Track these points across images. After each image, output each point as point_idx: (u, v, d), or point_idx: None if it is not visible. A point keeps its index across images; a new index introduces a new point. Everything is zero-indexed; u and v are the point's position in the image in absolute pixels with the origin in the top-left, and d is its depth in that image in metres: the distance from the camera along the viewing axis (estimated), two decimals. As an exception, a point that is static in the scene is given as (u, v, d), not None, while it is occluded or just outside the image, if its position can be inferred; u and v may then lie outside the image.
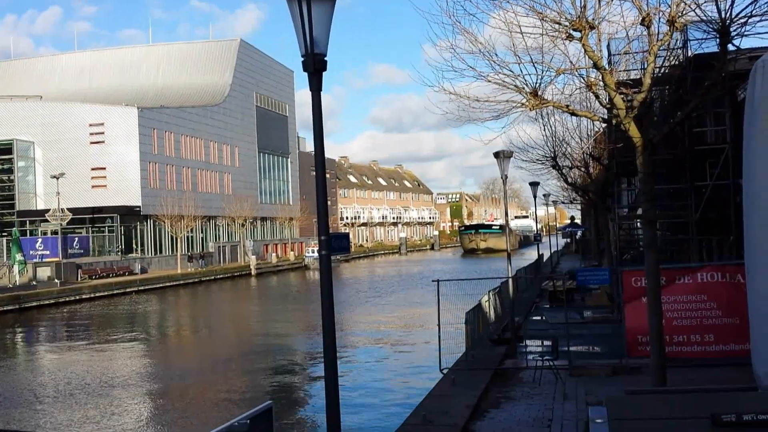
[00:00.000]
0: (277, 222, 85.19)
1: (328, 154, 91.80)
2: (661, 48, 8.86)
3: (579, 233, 70.10)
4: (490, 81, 9.18)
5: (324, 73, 5.66)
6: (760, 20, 8.24)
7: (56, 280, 45.60)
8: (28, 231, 59.80)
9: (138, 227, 63.08)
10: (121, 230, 61.34)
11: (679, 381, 9.92)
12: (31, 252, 50.79)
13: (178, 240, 61.84)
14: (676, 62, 13.38)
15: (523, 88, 9.09)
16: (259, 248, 76.06)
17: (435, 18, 9.37)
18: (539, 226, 61.31)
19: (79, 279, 49.38)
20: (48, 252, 52.89)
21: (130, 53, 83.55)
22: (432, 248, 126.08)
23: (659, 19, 8.57)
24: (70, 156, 61.00)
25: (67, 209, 52.23)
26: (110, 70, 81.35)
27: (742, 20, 8.15)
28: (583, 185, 30.26)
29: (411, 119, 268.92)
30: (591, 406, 6.20)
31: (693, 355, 11.73)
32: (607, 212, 26.65)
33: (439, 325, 14.31)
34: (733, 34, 8.24)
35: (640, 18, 8.55)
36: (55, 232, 53.56)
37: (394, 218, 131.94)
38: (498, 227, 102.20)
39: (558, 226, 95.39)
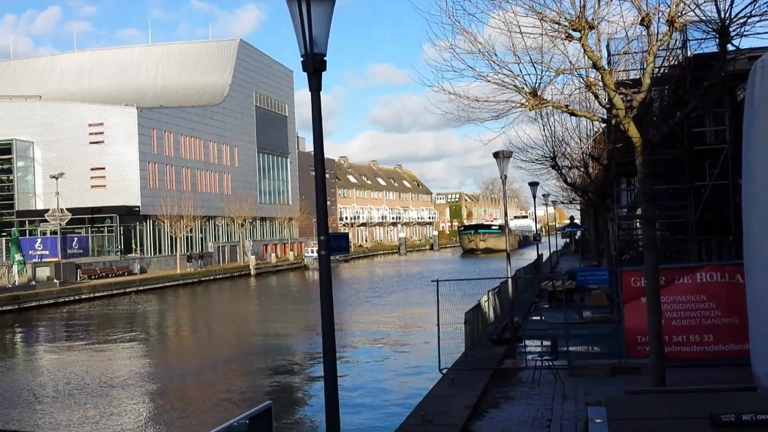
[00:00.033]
0: (276, 222, 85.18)
1: (327, 154, 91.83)
2: (660, 48, 8.86)
3: (578, 233, 70.13)
4: (489, 81, 9.19)
5: (323, 73, 5.66)
6: (760, 20, 8.25)
7: (55, 280, 45.58)
8: (27, 231, 59.79)
9: (137, 227, 63.07)
10: (120, 230, 61.33)
11: (678, 381, 9.93)
12: (30, 252, 50.79)
13: (178, 240, 61.83)
14: (676, 62, 13.39)
15: (523, 88, 9.09)
16: (258, 248, 76.06)
17: (434, 18, 9.38)
18: (538, 226, 61.34)
19: (78, 279, 49.37)
20: (47, 252, 52.87)
21: (129, 53, 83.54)
22: (431, 248, 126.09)
23: (659, 19, 8.57)
24: (70, 156, 60.98)
25: (67, 209, 52.22)
26: (109, 70, 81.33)
27: (742, 20, 8.16)
28: (583, 185, 30.27)
29: (410, 119, 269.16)
30: (590, 406, 6.20)
31: (692, 355, 11.73)
32: (607, 212, 26.66)
33: (438, 325, 14.31)
34: (732, 34, 8.24)
35: (640, 18, 8.55)
36: (54, 232, 53.54)
37: (393, 218, 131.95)
38: (497, 227, 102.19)
39: (557, 226, 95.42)
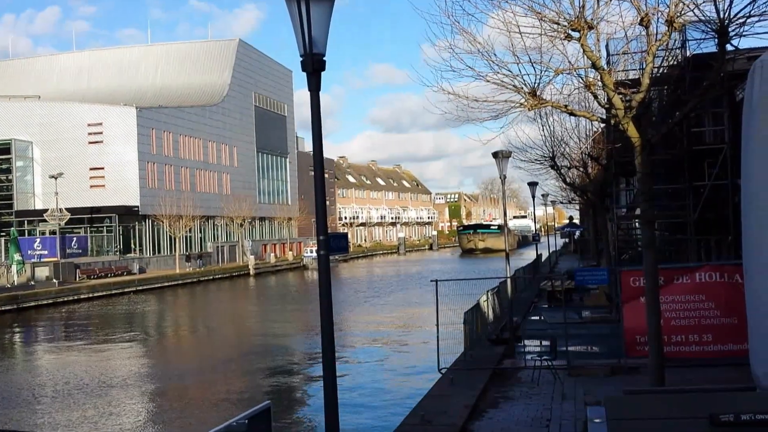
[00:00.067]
0: (275, 222, 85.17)
1: (326, 154, 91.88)
2: (659, 48, 8.87)
3: (577, 233, 70.16)
4: (488, 81, 9.19)
5: (323, 73, 5.66)
6: (759, 20, 8.26)
7: (54, 280, 45.55)
8: (26, 231, 59.77)
9: (136, 227, 63.04)
10: (119, 230, 61.31)
11: (677, 381, 9.93)
12: (29, 252, 50.77)
13: (177, 240, 61.81)
14: (675, 62, 13.39)
15: (522, 88, 9.09)
16: (257, 248, 76.03)
17: (434, 18, 9.38)
18: (538, 226, 61.35)
19: (77, 279, 49.35)
20: (46, 252, 52.86)
21: (128, 53, 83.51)
22: (430, 248, 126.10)
23: (658, 19, 8.58)
24: (69, 156, 60.95)
25: (66, 209, 52.21)
26: (109, 69, 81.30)
27: (741, 20, 8.17)
28: (582, 185, 30.29)
29: (410, 119, 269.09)
30: (589, 406, 6.21)
31: (691, 355, 11.74)
32: (606, 212, 26.67)
33: (437, 325, 14.31)
34: (731, 34, 8.25)
35: (639, 18, 8.55)
36: (53, 232, 53.51)
37: (392, 218, 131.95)
38: (496, 227, 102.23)
39: (556, 226, 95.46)
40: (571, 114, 11.25)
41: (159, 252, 64.97)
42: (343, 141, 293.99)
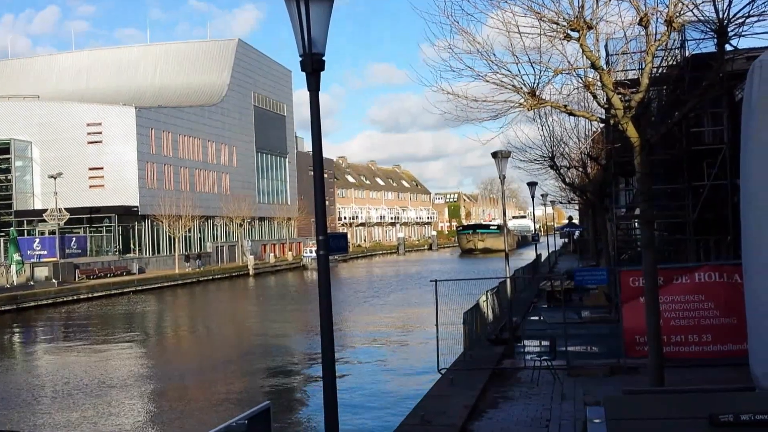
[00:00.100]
0: (275, 222, 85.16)
1: (326, 154, 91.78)
2: (658, 48, 8.87)
3: (577, 233, 70.17)
4: (488, 81, 9.19)
5: (322, 73, 5.66)
6: (758, 20, 8.27)
7: (54, 280, 45.54)
8: (25, 231, 59.74)
9: (135, 227, 63.03)
10: (118, 230, 61.29)
11: (676, 381, 9.94)
12: (28, 252, 50.75)
13: (176, 240, 61.80)
14: (674, 62, 13.39)
15: (521, 88, 9.09)
16: (257, 248, 76.02)
17: (433, 18, 9.38)
18: (537, 226, 61.36)
19: (76, 279, 49.34)
20: (45, 252, 52.84)
21: (127, 53, 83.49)
22: (430, 248, 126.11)
23: (657, 19, 8.58)
24: (68, 156, 60.93)
25: (65, 209, 52.18)
26: (108, 69, 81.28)
27: (740, 20, 8.17)
28: (581, 185, 30.27)
29: (409, 119, 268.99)
30: (589, 406, 6.20)
31: (690, 355, 11.74)
32: (605, 212, 26.67)
33: (437, 325, 14.31)
34: (730, 34, 8.25)
35: (638, 18, 8.56)
36: (52, 232, 53.49)
37: (392, 218, 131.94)
38: (496, 227, 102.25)
39: (556, 226, 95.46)
40: (571, 114, 11.26)
41: (158, 252, 64.95)
42: (342, 141, 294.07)
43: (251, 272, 66.32)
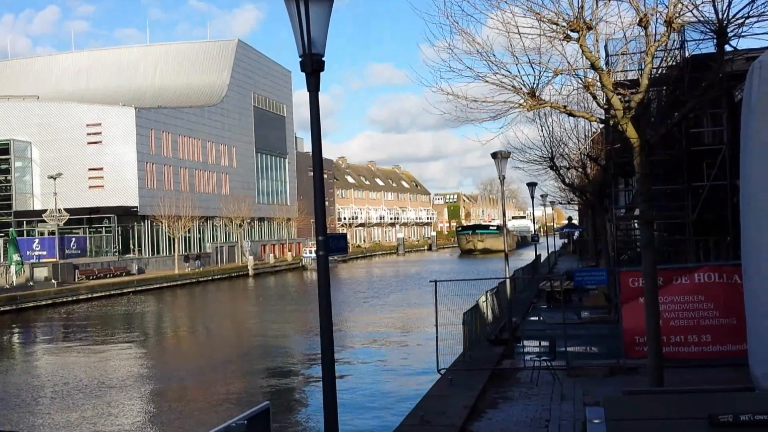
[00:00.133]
0: (274, 222, 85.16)
1: (325, 155, 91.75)
2: (658, 49, 8.87)
3: (576, 234, 70.19)
4: (487, 81, 9.19)
5: (322, 73, 5.66)
6: (757, 21, 8.27)
7: (53, 281, 45.52)
8: (25, 231, 59.72)
9: (135, 228, 63.02)
10: (118, 231, 61.27)
11: (676, 381, 9.94)
12: (28, 252, 50.72)
13: (176, 240, 61.79)
14: (674, 63, 13.40)
15: (521, 89, 9.09)
16: (256, 249, 76.01)
17: (432, 18, 9.38)
18: (536, 226, 61.38)
19: (76, 279, 49.31)
20: (45, 252, 52.82)
21: (127, 53, 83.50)
22: (429, 249, 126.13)
23: (656, 19, 8.58)
24: (68, 156, 60.93)
25: (64, 209, 52.17)
26: (108, 70, 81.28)
27: (739, 21, 8.17)
28: (581, 186, 30.26)
29: (409, 120, 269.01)
30: (588, 407, 6.20)
31: (690, 355, 11.74)
32: (605, 213, 26.66)
33: (436, 326, 14.31)
34: (730, 34, 8.25)
35: (638, 19, 8.56)
36: (52, 233, 53.48)
37: (391, 219, 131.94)
38: (495, 228, 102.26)
39: (555, 226, 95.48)
40: (570, 114, 11.26)
41: (158, 252, 64.94)
42: (342, 141, 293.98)
43: (251, 273, 66.31)
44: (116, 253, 59.87)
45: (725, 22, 8.16)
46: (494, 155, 18.75)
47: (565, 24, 8.57)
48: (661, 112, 12.92)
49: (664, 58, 10.75)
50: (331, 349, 5.69)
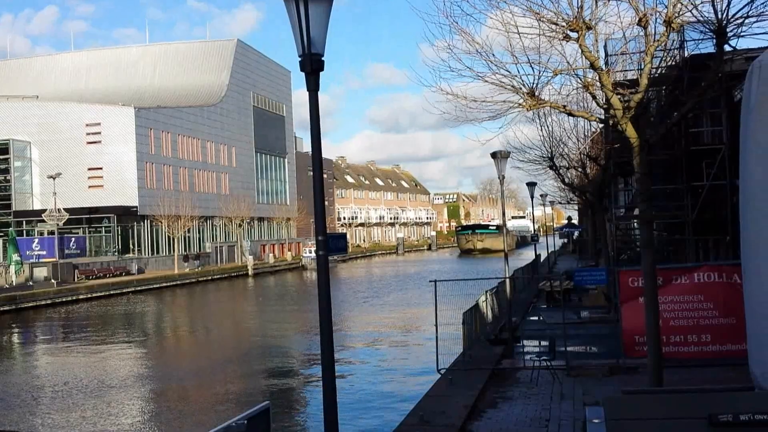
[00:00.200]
0: (274, 222, 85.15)
1: (325, 154, 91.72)
2: (657, 48, 8.87)
3: (576, 233, 70.20)
4: (487, 81, 9.19)
5: (321, 73, 5.66)
6: (756, 21, 8.27)
7: (53, 281, 45.50)
8: (24, 231, 59.69)
9: (135, 227, 63.00)
10: (117, 230, 61.26)
11: (675, 381, 9.95)
12: (27, 252, 50.70)
13: (175, 240, 61.77)
14: (673, 63, 13.40)
15: (521, 89, 9.10)
16: (256, 248, 76.01)
17: (432, 18, 9.38)
18: (536, 226, 61.38)
19: (75, 279, 49.29)
20: (45, 252, 52.80)
21: (126, 53, 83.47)
22: (429, 248, 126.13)
23: (656, 19, 8.58)
24: (67, 156, 60.91)
25: (64, 209, 52.14)
26: (107, 69, 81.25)
27: (739, 21, 8.18)
28: (580, 185, 30.25)
29: (408, 119, 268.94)
30: (588, 406, 6.21)
31: (690, 355, 11.75)
32: (604, 212, 26.66)
33: (436, 326, 14.31)
34: (729, 34, 8.26)
35: (637, 19, 8.56)
36: (51, 233, 53.45)
37: (391, 218, 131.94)
38: (495, 227, 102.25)
39: (555, 226, 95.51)
40: (570, 114, 11.26)
41: (157, 252, 64.93)
42: (341, 141, 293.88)
43: (250, 272, 66.31)
44: (116, 253, 59.85)
45: (724, 21, 8.16)
46: (494, 155, 18.74)
47: (564, 24, 8.57)
48: (660, 111, 12.92)
49: (664, 58, 10.74)
50: (331, 349, 5.69)
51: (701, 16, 8.51)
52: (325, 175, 5.99)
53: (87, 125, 61.77)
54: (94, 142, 61.71)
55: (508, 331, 17.27)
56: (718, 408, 4.71)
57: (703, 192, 17.46)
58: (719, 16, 8.18)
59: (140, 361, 24.50)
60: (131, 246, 62.58)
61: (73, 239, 56.98)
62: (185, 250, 65.36)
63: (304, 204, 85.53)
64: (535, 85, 9.07)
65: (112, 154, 61.34)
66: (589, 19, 8.66)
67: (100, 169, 61.46)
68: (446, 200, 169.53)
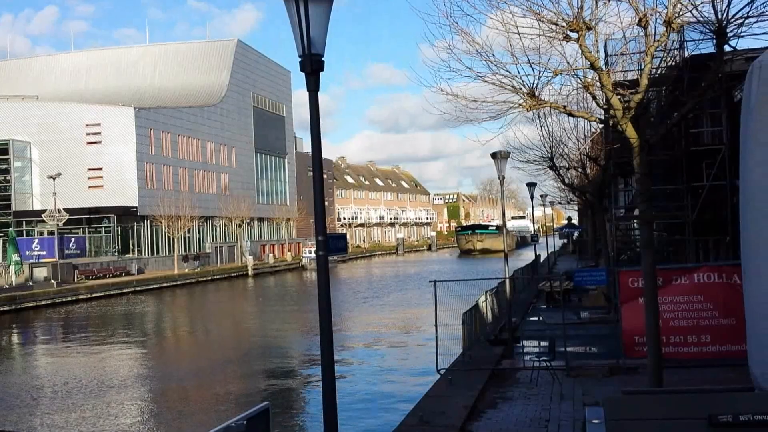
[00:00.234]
0: (274, 222, 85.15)
1: (325, 155, 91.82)
2: (657, 49, 8.87)
3: (576, 234, 70.20)
4: (487, 82, 9.19)
5: (321, 73, 5.66)
6: (757, 21, 8.27)
7: (53, 281, 45.50)
8: (24, 231, 59.67)
9: (135, 228, 63.00)
10: (117, 231, 61.25)
11: (675, 381, 9.95)
12: (27, 252, 50.70)
13: (175, 240, 61.77)
14: (673, 63, 13.40)
15: (521, 89, 9.09)
16: (256, 249, 76.00)
17: (432, 18, 9.39)
18: (536, 226, 61.38)
19: (75, 279, 49.29)
20: (44, 252, 52.79)
21: (127, 53, 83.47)
22: (429, 249, 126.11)
23: (656, 20, 8.58)
24: (67, 156, 60.91)
25: (64, 210, 52.14)
26: (107, 70, 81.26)
27: (739, 21, 8.18)
28: (580, 186, 30.24)
29: (408, 120, 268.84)
30: (588, 407, 6.21)
31: (689, 355, 11.75)
32: (604, 213, 26.66)
33: (436, 326, 14.31)
34: (729, 35, 8.26)
35: (637, 19, 8.56)
36: (51, 233, 53.45)
37: (391, 219, 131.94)
38: (495, 228, 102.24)
39: (555, 226, 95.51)
40: (570, 115, 11.26)
41: (157, 253, 64.93)
42: (341, 141, 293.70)
43: (250, 273, 66.31)
44: (116, 253, 59.84)
45: (724, 22, 8.16)
46: (494, 155, 18.74)
47: (564, 24, 8.57)
48: (660, 112, 12.92)
49: (664, 59, 10.74)
50: (331, 349, 5.69)
51: (701, 17, 8.51)
52: (325, 176, 5.98)
53: (87, 125, 61.77)
54: (94, 143, 61.71)
55: (507, 332, 17.27)
56: (718, 408, 4.71)
57: (703, 192, 17.46)
58: (719, 17, 8.18)
59: (140, 362, 24.49)
60: (131, 246, 62.58)
61: (72, 239, 56.97)
62: (185, 250, 65.35)
63: (304, 204, 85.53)
64: (535, 85, 9.07)
65: (112, 155, 61.34)
66: (589, 20, 8.66)
67: (100, 169, 61.46)
68: (446, 200, 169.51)
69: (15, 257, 44.24)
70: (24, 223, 61.31)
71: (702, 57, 12.46)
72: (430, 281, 15.90)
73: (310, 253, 70.85)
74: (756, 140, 5.22)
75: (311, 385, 19.12)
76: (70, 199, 56.61)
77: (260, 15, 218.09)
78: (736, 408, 4.70)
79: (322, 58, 5.62)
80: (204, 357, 25.12)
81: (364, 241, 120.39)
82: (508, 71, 9.07)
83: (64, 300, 43.05)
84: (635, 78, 10.56)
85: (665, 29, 8.45)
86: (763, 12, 8.20)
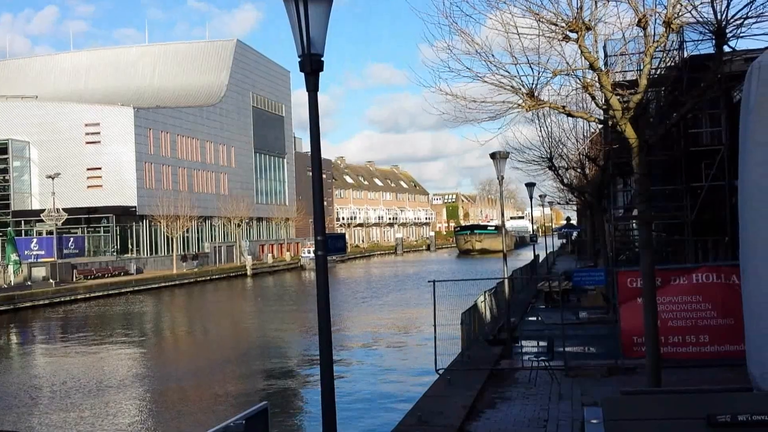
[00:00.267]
0: (273, 222, 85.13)
1: (324, 155, 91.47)
2: (657, 49, 8.88)
3: (575, 234, 70.21)
4: (486, 82, 9.19)
5: (321, 73, 5.66)
6: (756, 22, 8.28)
7: (51, 281, 45.47)
8: (23, 231, 59.65)
9: (134, 227, 62.97)
10: (116, 230, 61.22)
11: (674, 382, 9.96)
12: (26, 252, 50.67)
13: (174, 240, 61.75)
14: (672, 64, 13.40)
15: (520, 89, 9.10)
16: (255, 248, 75.98)
17: (432, 19, 9.40)
18: (535, 226, 61.41)
19: (74, 279, 49.26)
20: (43, 252, 52.77)
21: (126, 53, 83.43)
22: (428, 249, 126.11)
23: (655, 20, 8.59)
24: (66, 156, 60.88)
25: (63, 209, 52.12)
26: (106, 69, 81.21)
27: (738, 22, 8.18)
28: (579, 186, 30.24)
29: (408, 120, 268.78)
30: (586, 407, 6.22)
31: (688, 356, 11.76)
32: (603, 213, 26.68)
33: (435, 326, 14.32)
34: (728, 35, 8.26)
35: (637, 19, 8.56)
36: (50, 232, 53.42)
37: (390, 219, 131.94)
38: (493, 228, 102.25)
39: (554, 226, 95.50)
40: (569, 115, 11.26)
41: (156, 252, 64.91)
42: (340, 141, 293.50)
43: (249, 273, 66.29)
44: (114, 253, 59.82)
45: (724, 22, 8.16)
46: (493, 155, 18.72)
47: (563, 24, 8.58)
48: (659, 112, 12.92)
49: (663, 59, 10.75)
50: (330, 349, 5.69)
51: (701, 17, 8.52)
52: (324, 176, 5.98)
53: (86, 125, 61.76)
54: (93, 142, 61.68)
55: (506, 332, 17.27)
56: (717, 408, 4.72)
57: (702, 193, 17.48)
58: (719, 17, 8.18)
59: (138, 362, 24.48)
60: (130, 246, 62.56)
61: (71, 239, 56.95)
62: (184, 250, 65.32)
63: (303, 204, 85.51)
64: (534, 85, 9.08)
65: (111, 154, 61.32)
66: (589, 20, 8.67)
67: (99, 169, 61.43)
68: (445, 200, 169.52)
69: (13, 257, 44.22)
70: (23, 222, 61.28)
71: (701, 57, 12.47)
72: (428, 281, 15.91)
73: (309, 252, 70.84)
74: (755, 141, 5.23)
75: (310, 384, 19.12)
76: (69, 198, 56.59)
77: (260, 15, 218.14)
78: (735, 408, 4.71)
79: (322, 58, 5.62)
80: (203, 357, 25.11)
81: (363, 241, 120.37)
82: (507, 71, 9.08)
83: (62, 300, 43.03)
84: (634, 78, 10.58)
85: (664, 30, 8.46)
86: (762, 12, 8.21)
